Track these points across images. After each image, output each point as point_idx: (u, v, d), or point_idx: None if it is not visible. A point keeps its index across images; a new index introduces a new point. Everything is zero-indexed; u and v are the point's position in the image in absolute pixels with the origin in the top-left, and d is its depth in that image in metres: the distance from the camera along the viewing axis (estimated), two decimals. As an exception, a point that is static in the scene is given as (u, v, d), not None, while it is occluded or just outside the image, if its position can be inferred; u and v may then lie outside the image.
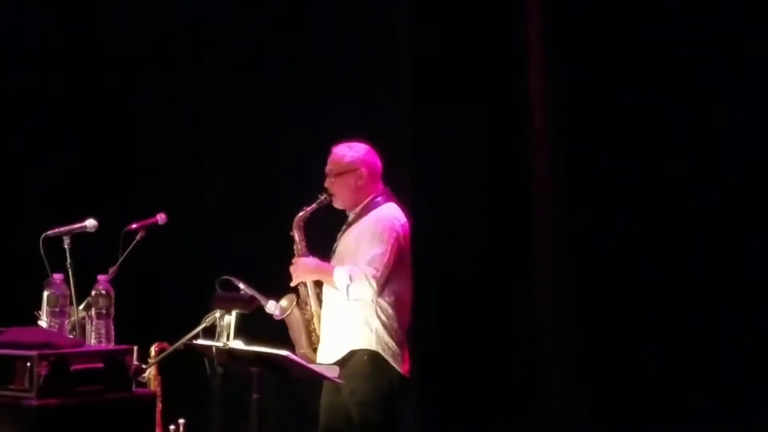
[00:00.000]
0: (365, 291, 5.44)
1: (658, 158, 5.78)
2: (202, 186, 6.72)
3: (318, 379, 5.51)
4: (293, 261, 5.64)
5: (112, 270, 5.47)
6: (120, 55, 6.80)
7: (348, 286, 5.44)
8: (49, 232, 5.26)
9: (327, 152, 5.69)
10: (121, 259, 5.53)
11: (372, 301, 5.48)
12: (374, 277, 5.42)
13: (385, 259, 5.46)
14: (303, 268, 5.61)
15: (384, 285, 5.46)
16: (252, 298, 5.27)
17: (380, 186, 5.68)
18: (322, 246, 5.73)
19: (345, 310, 5.52)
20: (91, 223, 5.38)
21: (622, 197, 5.98)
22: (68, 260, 5.23)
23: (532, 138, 5.80)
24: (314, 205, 5.63)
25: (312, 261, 5.63)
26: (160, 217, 5.72)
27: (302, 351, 5.52)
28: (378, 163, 5.68)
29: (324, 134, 5.86)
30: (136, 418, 4.75)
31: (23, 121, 6.71)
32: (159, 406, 5.77)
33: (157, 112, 6.74)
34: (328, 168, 5.67)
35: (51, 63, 6.77)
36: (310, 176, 5.71)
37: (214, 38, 6.88)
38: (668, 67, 5.83)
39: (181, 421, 5.72)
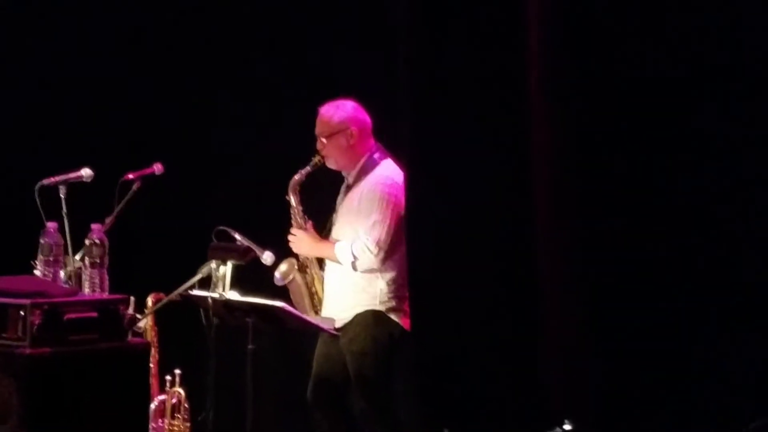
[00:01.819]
0: (370, 262, 5.44)
1: (662, 152, 5.71)
2: (200, 136, 6.68)
3: (313, 330, 5.50)
4: (292, 231, 5.59)
5: (108, 220, 5.46)
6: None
7: (353, 262, 5.43)
8: (45, 181, 5.23)
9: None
10: (117, 210, 5.51)
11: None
12: (377, 245, 5.41)
13: (386, 225, 5.44)
14: (303, 246, 5.58)
15: (388, 251, 5.43)
16: (248, 249, 5.26)
17: (372, 142, 5.63)
18: (321, 210, 5.70)
19: (348, 274, 5.50)
20: (87, 172, 5.35)
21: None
22: (64, 209, 5.21)
23: (536, 92, 5.74)
24: (308, 168, 5.58)
25: (311, 238, 5.58)
26: (157, 167, 5.69)
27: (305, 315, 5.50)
28: (367, 119, 5.63)
29: (324, 90, 5.80)
30: (129, 367, 4.74)
31: (19, 70, 6.66)
32: (155, 356, 5.80)
33: (155, 61, 6.68)
34: (317, 130, 5.60)
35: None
36: (312, 131, 5.66)
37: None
38: (675, 65, 5.75)
39: (177, 371, 5.74)
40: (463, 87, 5.59)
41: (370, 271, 5.46)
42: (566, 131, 5.65)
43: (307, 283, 5.64)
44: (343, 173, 5.66)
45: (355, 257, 5.42)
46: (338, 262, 5.47)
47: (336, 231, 5.59)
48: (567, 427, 2.77)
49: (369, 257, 5.41)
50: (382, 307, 5.47)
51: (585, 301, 5.70)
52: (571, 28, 5.77)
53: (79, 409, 4.55)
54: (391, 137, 5.78)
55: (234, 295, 5.14)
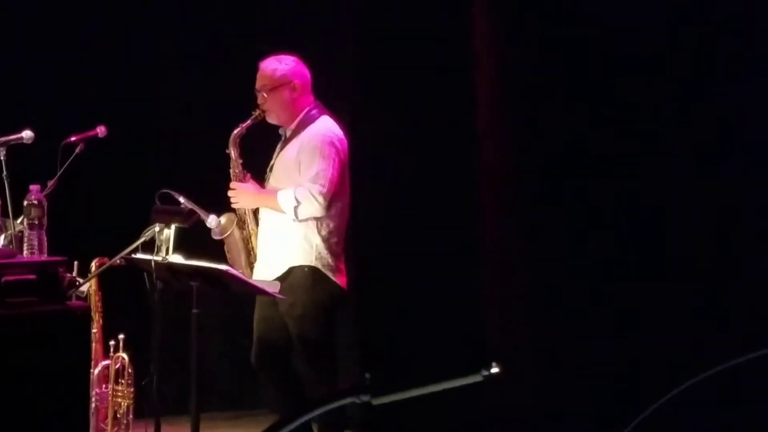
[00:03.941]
0: (314, 209, 5.37)
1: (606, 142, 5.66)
2: (143, 97, 6.60)
3: (257, 294, 5.44)
4: (231, 186, 5.51)
5: (50, 183, 5.39)
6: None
7: (296, 207, 5.36)
8: (-17, 143, 5.13)
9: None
10: (59, 173, 5.44)
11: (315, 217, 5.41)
12: (321, 193, 5.35)
13: (329, 174, 5.38)
14: (245, 198, 5.50)
15: (330, 201, 5.39)
16: (191, 212, 5.19)
17: (311, 98, 5.57)
18: (257, 163, 5.63)
19: (285, 227, 5.43)
20: (27, 134, 5.24)
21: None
22: (4, 172, 5.12)
23: (479, 55, 5.71)
24: (249, 122, 5.50)
25: (252, 188, 5.52)
26: (100, 130, 5.62)
27: (240, 270, 5.43)
28: (308, 74, 5.57)
29: (268, 46, 5.73)
30: (70, 330, 4.64)
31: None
32: (99, 321, 5.73)
33: (96, 23, 6.59)
34: (259, 84, 5.53)
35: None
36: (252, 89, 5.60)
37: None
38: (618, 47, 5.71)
39: (121, 336, 5.68)
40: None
41: (307, 224, 5.40)
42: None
43: (244, 239, 5.57)
44: (281, 129, 5.60)
45: (298, 202, 5.34)
46: (280, 210, 5.39)
47: (274, 184, 5.52)
48: (494, 369, 2.73)
49: (313, 204, 5.34)
50: (318, 264, 5.41)
51: (525, 265, 5.71)
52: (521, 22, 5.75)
53: (17, 373, 4.48)
54: (333, 92, 5.75)
55: (178, 259, 5.07)
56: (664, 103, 5.16)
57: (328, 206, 5.40)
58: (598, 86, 5.24)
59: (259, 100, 5.52)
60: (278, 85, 5.50)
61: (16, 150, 5.20)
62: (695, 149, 5.08)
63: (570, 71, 5.32)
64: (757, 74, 4.93)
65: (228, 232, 5.53)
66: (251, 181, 5.55)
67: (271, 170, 5.59)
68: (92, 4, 6.61)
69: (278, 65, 5.52)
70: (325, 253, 5.43)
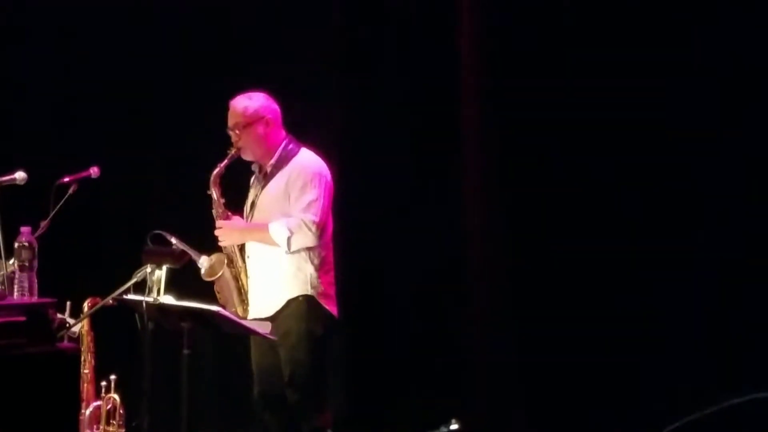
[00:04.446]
0: (307, 239, 5.40)
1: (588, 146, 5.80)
2: (136, 140, 6.64)
3: (249, 334, 5.45)
4: (218, 225, 5.54)
5: (43, 224, 5.41)
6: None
7: (289, 238, 5.37)
8: (-23, 185, 5.15)
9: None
10: (52, 213, 5.46)
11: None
12: (314, 222, 5.38)
13: (321, 204, 5.43)
14: (232, 234, 5.52)
15: (321, 229, 5.41)
16: (182, 253, 5.22)
17: (283, 132, 5.62)
18: (235, 201, 5.66)
19: (276, 261, 5.46)
20: (20, 175, 5.26)
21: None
22: (-4, 213, 5.14)
23: (463, 89, 5.80)
24: (226, 161, 5.53)
25: (240, 224, 5.56)
26: (93, 171, 5.64)
27: (233, 309, 5.45)
28: (278, 108, 5.62)
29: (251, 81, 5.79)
30: (59, 372, 4.65)
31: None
32: (91, 361, 5.74)
33: (90, 65, 6.64)
34: (232, 122, 5.56)
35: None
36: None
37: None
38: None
39: (112, 377, 5.67)
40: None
41: (299, 255, 5.42)
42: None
43: (234, 276, 5.59)
44: (256, 165, 5.63)
45: (291, 232, 5.37)
46: (271, 242, 5.40)
47: (260, 218, 5.54)
48: (453, 426, 2.73)
49: (307, 234, 5.37)
50: (313, 292, 5.45)
51: (509, 296, 5.78)
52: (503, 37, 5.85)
53: (6, 415, 4.47)
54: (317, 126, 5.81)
55: (169, 299, 5.08)
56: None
57: (322, 234, 5.43)
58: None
59: (233, 138, 5.56)
60: (251, 121, 5.54)
61: (9, 191, 5.22)
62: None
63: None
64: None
65: (219, 273, 5.54)
66: (236, 217, 5.58)
67: (252, 207, 5.61)
68: (86, 47, 6.66)
69: (249, 102, 5.57)
70: (317, 281, 5.46)
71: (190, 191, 5.84)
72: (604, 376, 5.75)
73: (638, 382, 5.74)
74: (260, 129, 5.54)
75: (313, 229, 5.38)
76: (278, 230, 5.40)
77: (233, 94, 5.62)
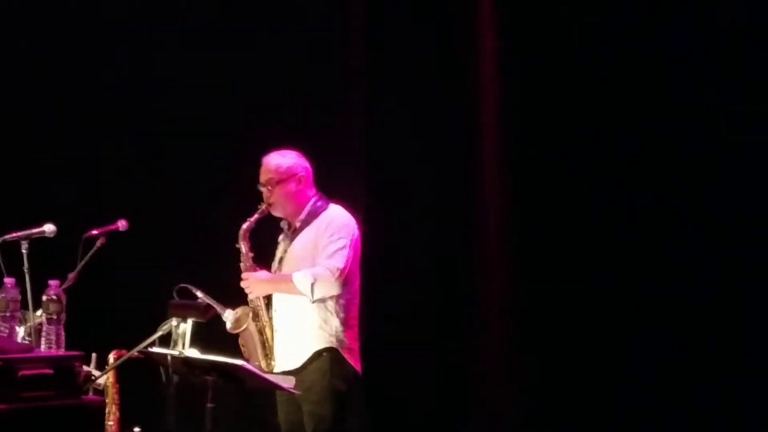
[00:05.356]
0: (330, 286, 5.44)
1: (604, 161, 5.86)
2: (164, 193, 6.70)
3: (273, 389, 5.47)
4: (243, 276, 5.60)
5: (71, 276, 5.45)
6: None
7: (312, 284, 5.41)
8: (7, 237, 5.22)
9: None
10: (80, 266, 5.50)
11: (331, 299, 5.45)
12: (338, 269, 5.43)
13: (346, 253, 5.47)
14: (259, 285, 5.58)
15: (345, 281, 5.43)
16: (208, 306, 5.25)
17: (314, 189, 5.70)
18: (261, 257, 5.71)
19: (302, 314, 5.50)
20: (49, 228, 5.34)
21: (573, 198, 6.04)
22: (26, 265, 5.20)
23: (484, 139, 5.88)
24: (256, 215, 5.61)
25: (265, 275, 5.61)
26: (121, 224, 5.69)
27: (257, 363, 5.48)
28: (309, 166, 5.70)
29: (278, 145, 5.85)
30: (84, 425, 4.68)
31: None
32: (116, 414, 5.75)
33: (115, 118, 6.72)
34: (264, 178, 5.64)
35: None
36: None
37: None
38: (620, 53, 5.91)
39: (137, 429, 5.69)
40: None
41: (325, 307, 5.46)
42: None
43: (259, 330, 5.62)
44: (285, 222, 5.68)
45: (314, 279, 5.40)
46: (296, 291, 5.44)
47: (288, 272, 5.58)
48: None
49: (330, 281, 5.41)
50: (338, 345, 5.48)
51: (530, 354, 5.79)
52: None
53: (32, 467, 4.51)
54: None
55: (194, 353, 5.11)
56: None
57: (344, 285, 5.45)
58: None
59: (265, 194, 5.62)
60: (284, 178, 5.61)
61: (38, 243, 5.28)
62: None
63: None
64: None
65: (243, 326, 5.58)
66: (263, 270, 5.62)
67: (280, 262, 5.65)
68: (113, 108, 6.74)
69: (282, 159, 5.64)
70: (343, 335, 5.50)
71: (216, 245, 5.90)
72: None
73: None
74: (292, 186, 5.61)
75: (337, 274, 5.42)
76: (302, 278, 5.45)
77: (264, 151, 5.69)
